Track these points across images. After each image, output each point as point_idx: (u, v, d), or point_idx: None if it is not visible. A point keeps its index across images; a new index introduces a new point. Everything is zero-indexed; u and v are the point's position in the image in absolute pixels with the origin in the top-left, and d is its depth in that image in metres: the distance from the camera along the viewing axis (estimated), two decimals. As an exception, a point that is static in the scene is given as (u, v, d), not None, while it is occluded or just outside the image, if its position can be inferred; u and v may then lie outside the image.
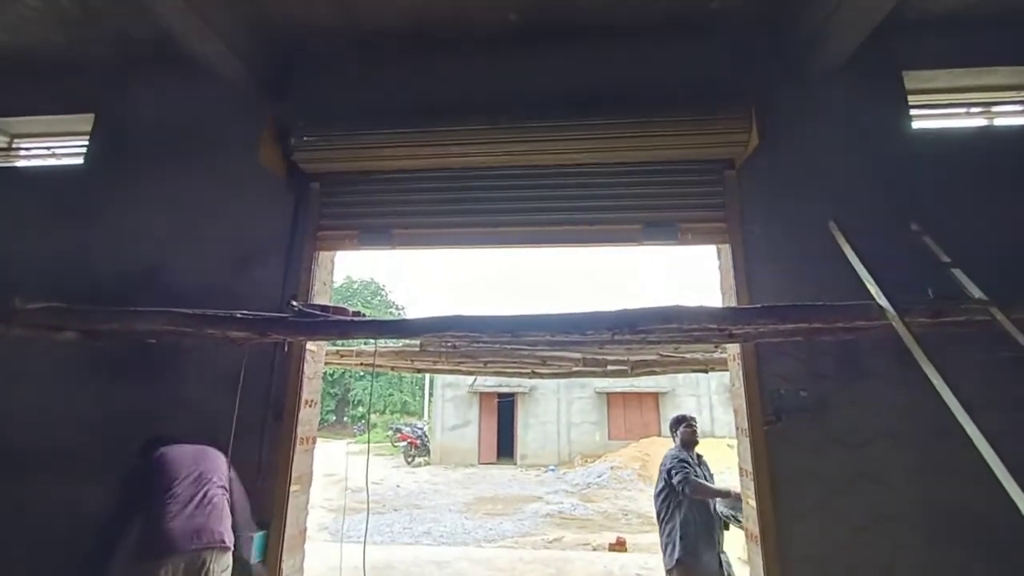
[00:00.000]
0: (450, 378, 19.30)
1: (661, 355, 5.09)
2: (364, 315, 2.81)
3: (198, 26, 2.88)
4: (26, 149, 4.04)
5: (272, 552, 2.82)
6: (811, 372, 2.80)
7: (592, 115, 3.05)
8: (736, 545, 3.66)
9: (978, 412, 1.66)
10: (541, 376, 5.78)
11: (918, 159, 3.05)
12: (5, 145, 4.02)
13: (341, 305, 2.88)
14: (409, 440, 19.22)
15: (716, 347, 4.58)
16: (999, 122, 3.32)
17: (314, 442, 3.25)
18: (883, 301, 2.13)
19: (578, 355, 5.15)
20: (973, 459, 1.61)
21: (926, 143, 3.11)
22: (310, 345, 3.16)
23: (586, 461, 17.56)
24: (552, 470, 17.25)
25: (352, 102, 3.56)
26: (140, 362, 3.12)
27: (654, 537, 8.79)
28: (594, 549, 8.06)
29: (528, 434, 19.38)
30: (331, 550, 4.77)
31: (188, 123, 3.61)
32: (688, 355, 5.05)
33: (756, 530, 2.69)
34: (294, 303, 2.78)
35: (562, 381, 18.35)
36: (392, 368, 5.86)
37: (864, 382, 2.76)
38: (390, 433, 21.59)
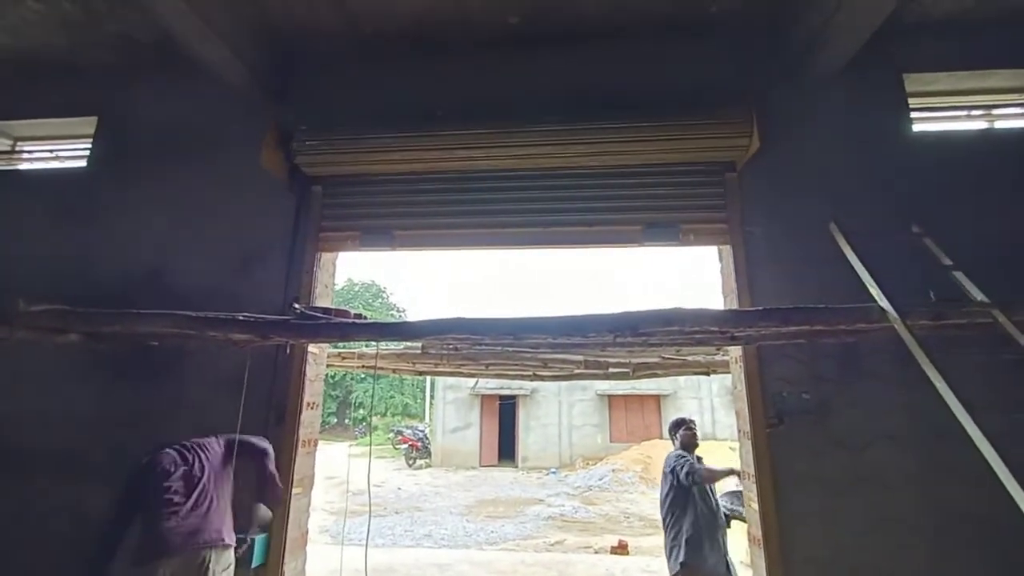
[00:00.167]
0: (451, 380, 19.30)
1: (663, 357, 5.09)
2: (366, 317, 2.81)
3: (199, 28, 2.90)
4: (29, 152, 4.06)
5: (274, 554, 2.82)
6: (813, 374, 2.80)
7: (593, 118, 3.07)
8: (738, 548, 3.65)
9: (980, 414, 1.66)
10: (543, 378, 5.78)
11: (919, 162, 3.06)
12: (8, 148, 4.04)
13: (343, 307, 2.88)
14: (410, 442, 19.19)
15: (718, 349, 4.57)
16: (1000, 125, 3.33)
17: (316, 444, 3.25)
18: (885, 303, 2.13)
19: (580, 357, 5.15)
20: (975, 461, 1.61)
21: (927, 146, 3.12)
22: (312, 347, 3.17)
23: (587, 464, 17.52)
24: (553, 473, 17.21)
25: (353, 104, 3.57)
26: (142, 364, 3.13)
27: (656, 540, 8.78)
28: (596, 552, 8.04)
29: (529, 436, 19.34)
30: (332, 553, 4.76)
31: (190, 125, 3.63)
32: (690, 357, 5.04)
33: (758, 533, 2.69)
34: (296, 305, 2.78)
35: (563, 383, 18.33)
36: (394, 370, 5.86)
37: (866, 384, 2.75)
38: (391, 435, 21.55)
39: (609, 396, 19.45)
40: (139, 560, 2.15)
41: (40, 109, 3.86)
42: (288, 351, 3.07)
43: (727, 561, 3.31)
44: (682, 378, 18.16)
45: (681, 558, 3.21)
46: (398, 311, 32.80)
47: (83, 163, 3.73)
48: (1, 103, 3.87)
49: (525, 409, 19.66)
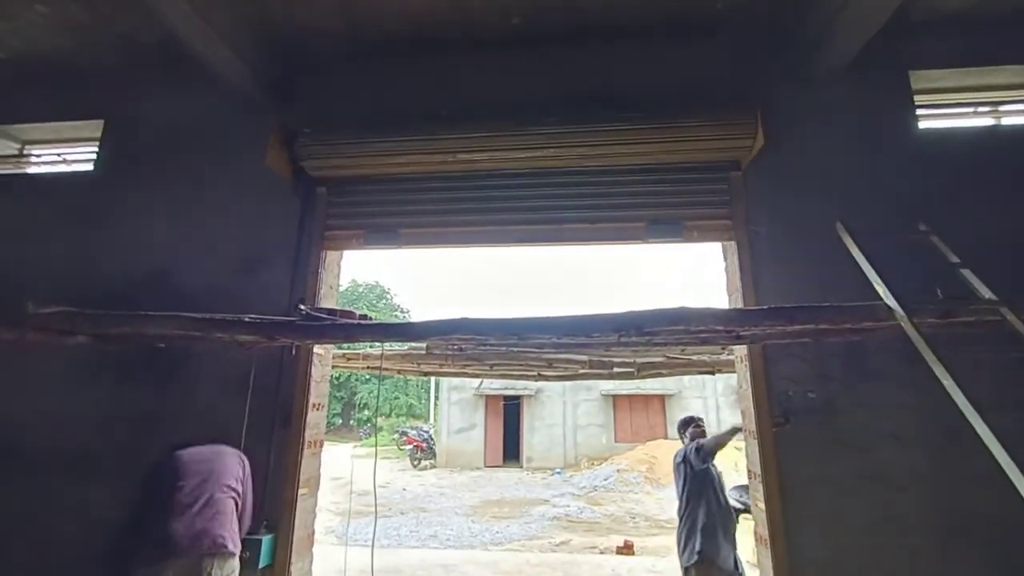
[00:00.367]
0: (456, 381, 19.32)
1: (668, 357, 5.08)
2: (370, 318, 2.82)
3: (204, 31, 2.92)
4: (37, 156, 4.09)
5: (280, 555, 2.83)
6: (819, 374, 2.78)
7: (595, 119, 3.06)
8: (745, 548, 3.64)
9: (988, 412, 1.64)
10: (547, 378, 5.78)
11: (925, 159, 3.04)
12: (16, 152, 4.08)
13: (347, 308, 2.89)
14: (415, 443, 19.22)
15: (723, 349, 4.56)
16: (1006, 121, 3.30)
17: (321, 445, 3.26)
18: (891, 302, 2.12)
19: (584, 357, 5.15)
20: (984, 460, 1.59)
21: (933, 143, 3.10)
22: (317, 348, 3.18)
23: (592, 464, 17.50)
24: (558, 473, 17.20)
25: (355, 104, 3.59)
26: (150, 366, 3.15)
27: (661, 540, 8.76)
28: (601, 552, 8.02)
29: (534, 437, 19.34)
30: (338, 553, 4.78)
31: (195, 128, 3.66)
32: (695, 357, 5.03)
33: (765, 532, 2.68)
34: (301, 307, 2.79)
35: (568, 383, 18.30)
36: (398, 371, 5.87)
37: (872, 383, 2.74)
38: (396, 436, 21.60)
39: (614, 396, 19.43)
40: (148, 560, 2.16)
41: (47, 112, 3.90)
42: (294, 352, 3.08)
43: (735, 556, 3.29)
44: (687, 378, 18.09)
45: (698, 547, 3.17)
46: (402, 312, 32.86)
47: (90, 167, 3.75)
48: (8, 107, 3.91)
49: (530, 409, 19.66)
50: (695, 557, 3.18)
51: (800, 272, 2.92)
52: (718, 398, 19.31)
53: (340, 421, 29.20)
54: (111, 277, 3.37)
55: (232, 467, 2.52)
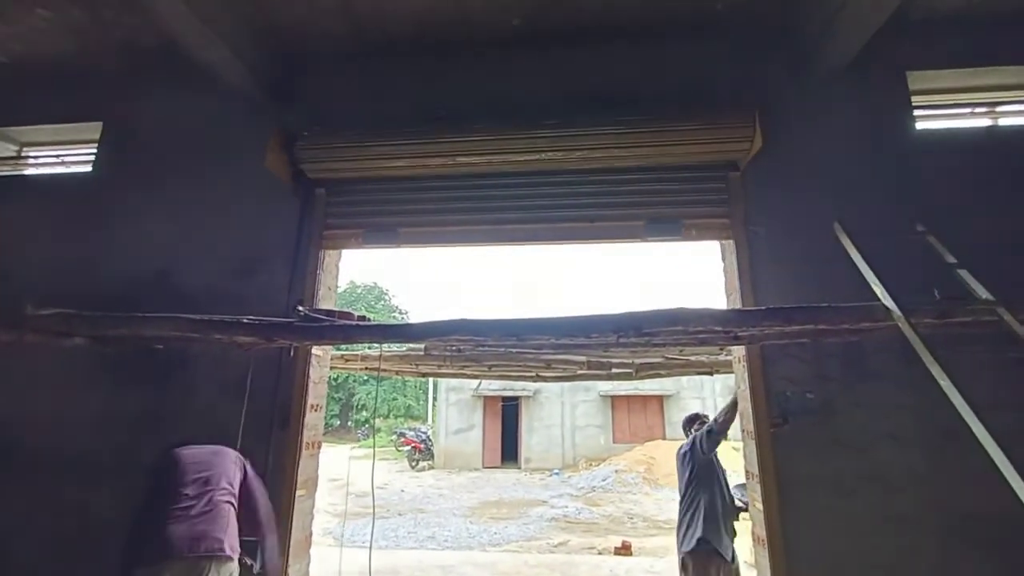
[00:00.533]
0: (454, 382, 19.31)
1: (666, 358, 5.08)
2: (369, 319, 2.82)
3: (204, 32, 2.92)
4: (35, 157, 4.08)
5: (279, 556, 2.82)
6: (817, 374, 2.79)
7: (594, 120, 3.07)
8: (743, 548, 3.64)
9: (986, 412, 1.65)
10: (545, 379, 5.78)
11: (922, 160, 3.05)
12: (15, 153, 4.06)
13: (346, 310, 2.89)
14: (413, 444, 19.21)
15: (721, 349, 4.56)
16: (1004, 122, 3.32)
17: (319, 447, 3.25)
18: (889, 302, 2.13)
19: (583, 358, 5.15)
20: (981, 460, 1.60)
21: (931, 143, 3.11)
22: (316, 350, 3.17)
23: (590, 465, 17.50)
24: (556, 474, 17.20)
25: (355, 105, 3.59)
26: (148, 367, 3.14)
27: (660, 541, 8.77)
28: (599, 553, 8.03)
29: (532, 438, 19.34)
30: (336, 555, 4.77)
31: (194, 129, 3.65)
32: (693, 357, 5.03)
33: (763, 533, 2.68)
34: (300, 308, 2.79)
35: (566, 384, 18.29)
36: (396, 372, 5.86)
37: (870, 384, 2.75)
38: (394, 437, 21.57)
39: (612, 397, 19.45)
40: (147, 561, 2.15)
41: (46, 114, 3.89)
42: (292, 353, 3.07)
43: (733, 549, 3.30)
44: (685, 378, 18.15)
45: (699, 534, 3.16)
46: (400, 313, 32.84)
47: (89, 168, 3.74)
48: (7, 109, 3.89)
49: (528, 410, 19.66)
50: (694, 543, 3.17)
51: (798, 272, 2.92)
52: (716, 399, 19.31)
53: (338, 422, 29.16)
54: (110, 278, 3.36)
55: (229, 469, 2.50)
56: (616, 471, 15.46)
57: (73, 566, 2.90)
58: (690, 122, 2.99)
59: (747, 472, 2.94)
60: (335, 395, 28.38)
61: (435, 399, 21.89)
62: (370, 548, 3.27)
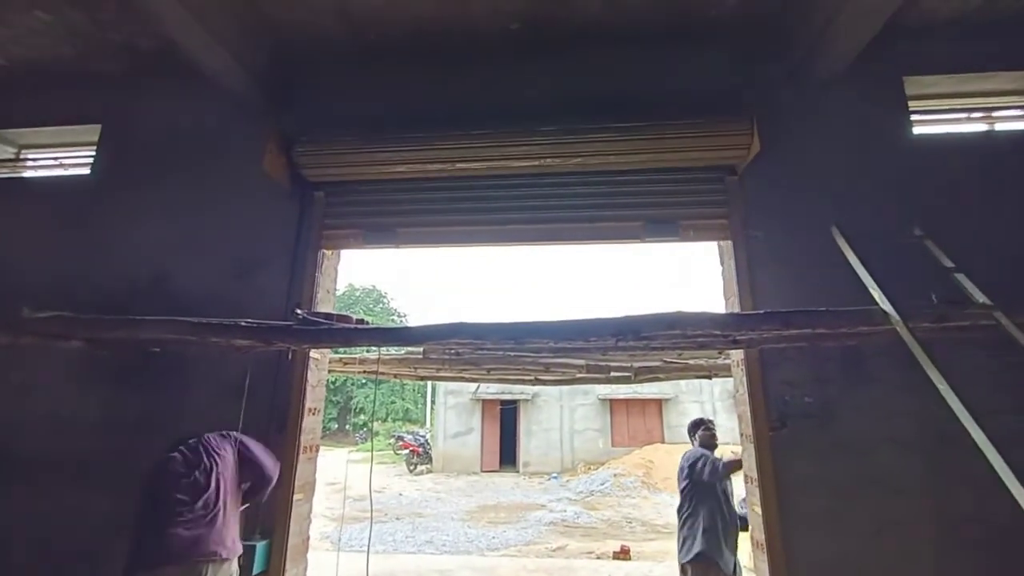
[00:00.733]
0: (452, 385, 19.28)
1: (665, 361, 5.09)
2: (367, 323, 2.82)
3: (201, 35, 2.92)
4: (33, 160, 4.07)
5: (275, 561, 2.81)
6: (816, 378, 2.79)
7: (592, 125, 3.08)
8: (742, 553, 3.63)
9: (984, 417, 1.65)
10: (544, 383, 5.78)
11: (920, 164, 3.06)
12: (13, 156, 4.06)
13: (344, 313, 2.89)
14: (411, 448, 19.15)
15: (720, 353, 4.57)
16: (1000, 127, 3.33)
17: (317, 450, 3.24)
18: (887, 306, 2.13)
19: (581, 362, 5.15)
20: (980, 464, 1.60)
21: (928, 148, 3.12)
22: (314, 353, 3.16)
23: (589, 468, 17.47)
24: (555, 478, 17.16)
25: (355, 109, 3.59)
26: (145, 371, 3.13)
27: (658, 545, 8.74)
28: (598, 557, 8.00)
29: (531, 441, 19.30)
30: (333, 559, 4.75)
31: (193, 132, 3.65)
32: (692, 361, 5.04)
33: (761, 537, 2.67)
34: (298, 311, 2.78)
35: (565, 388, 18.32)
36: (395, 375, 5.86)
37: (869, 388, 2.75)
38: (392, 441, 21.51)
39: (611, 400, 19.43)
40: (146, 564, 2.14)
41: (45, 117, 3.88)
42: (290, 357, 3.06)
43: (736, 563, 3.29)
44: (684, 382, 18.17)
45: (696, 548, 3.18)
46: (399, 316, 32.82)
47: (87, 171, 3.74)
48: (5, 111, 3.89)
49: (526, 414, 19.62)
50: (691, 556, 3.20)
51: (796, 276, 2.93)
52: (715, 402, 19.34)
53: (336, 426, 29.09)
54: (107, 281, 3.36)
55: (222, 460, 2.45)
56: (615, 475, 15.44)
57: (72, 568, 2.88)
58: (688, 127, 3.01)
59: (746, 476, 2.94)
60: (333, 398, 28.32)
61: (433, 402, 21.83)
62: (368, 552, 3.26)
